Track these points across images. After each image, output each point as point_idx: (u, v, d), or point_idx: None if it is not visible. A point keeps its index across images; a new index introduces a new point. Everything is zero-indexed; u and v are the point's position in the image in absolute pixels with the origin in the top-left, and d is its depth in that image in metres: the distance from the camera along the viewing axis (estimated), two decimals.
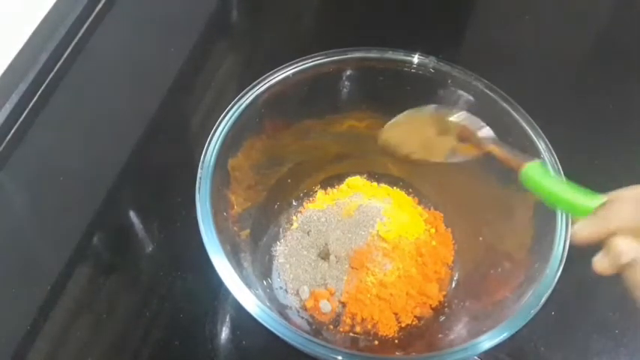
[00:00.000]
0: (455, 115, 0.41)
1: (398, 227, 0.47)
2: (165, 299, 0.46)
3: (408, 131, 0.43)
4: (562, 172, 0.41)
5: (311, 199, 0.50)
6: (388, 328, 0.44)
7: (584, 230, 0.33)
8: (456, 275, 0.46)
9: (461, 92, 0.46)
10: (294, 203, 0.50)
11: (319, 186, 0.51)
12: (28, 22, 0.59)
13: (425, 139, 0.43)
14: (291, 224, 0.49)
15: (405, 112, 0.42)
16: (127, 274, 0.48)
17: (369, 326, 0.44)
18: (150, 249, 0.50)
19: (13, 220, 0.51)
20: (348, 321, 0.44)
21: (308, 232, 0.47)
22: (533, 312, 0.36)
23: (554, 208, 0.39)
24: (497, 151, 0.38)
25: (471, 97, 0.45)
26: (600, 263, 0.32)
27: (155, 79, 0.60)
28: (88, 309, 0.46)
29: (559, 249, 0.38)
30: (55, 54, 0.59)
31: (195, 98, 0.59)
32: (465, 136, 0.40)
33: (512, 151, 0.38)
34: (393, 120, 0.43)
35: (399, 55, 0.46)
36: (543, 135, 0.42)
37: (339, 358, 0.34)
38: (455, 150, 0.41)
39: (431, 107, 0.42)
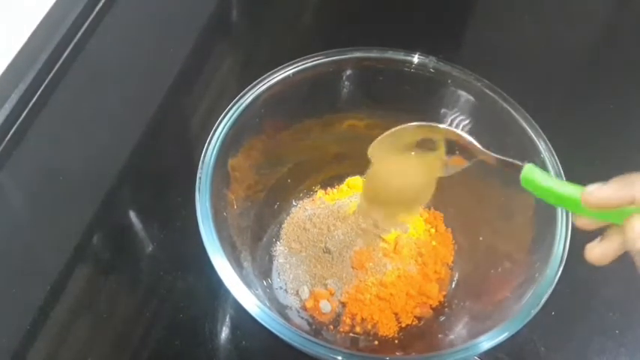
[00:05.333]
0: (441, 127, 0.40)
1: None
2: (165, 299, 0.46)
3: (394, 165, 0.41)
4: (562, 172, 0.41)
5: (311, 199, 0.50)
6: (388, 328, 0.44)
7: (606, 191, 0.30)
8: (456, 275, 0.46)
9: (461, 92, 0.46)
10: (294, 203, 0.50)
11: (319, 186, 0.51)
12: (28, 22, 0.59)
13: (410, 184, 0.42)
14: (291, 224, 0.49)
15: (387, 133, 0.40)
16: (127, 274, 0.48)
17: (369, 326, 0.44)
18: (150, 249, 0.49)
19: (12, 220, 0.51)
20: (348, 321, 0.44)
21: (308, 232, 0.47)
22: (533, 312, 0.36)
23: (557, 207, 0.38)
24: (494, 157, 0.37)
25: (471, 97, 0.45)
26: (604, 247, 0.31)
27: (155, 79, 0.60)
28: (88, 309, 0.46)
29: (559, 249, 0.38)
30: (55, 54, 0.59)
31: (195, 98, 0.59)
32: (459, 147, 0.39)
33: (505, 157, 0.37)
34: (377, 141, 0.41)
35: (399, 55, 0.46)
36: (543, 135, 0.42)
37: (339, 358, 0.34)
38: (446, 164, 0.40)
39: (412, 125, 0.40)
